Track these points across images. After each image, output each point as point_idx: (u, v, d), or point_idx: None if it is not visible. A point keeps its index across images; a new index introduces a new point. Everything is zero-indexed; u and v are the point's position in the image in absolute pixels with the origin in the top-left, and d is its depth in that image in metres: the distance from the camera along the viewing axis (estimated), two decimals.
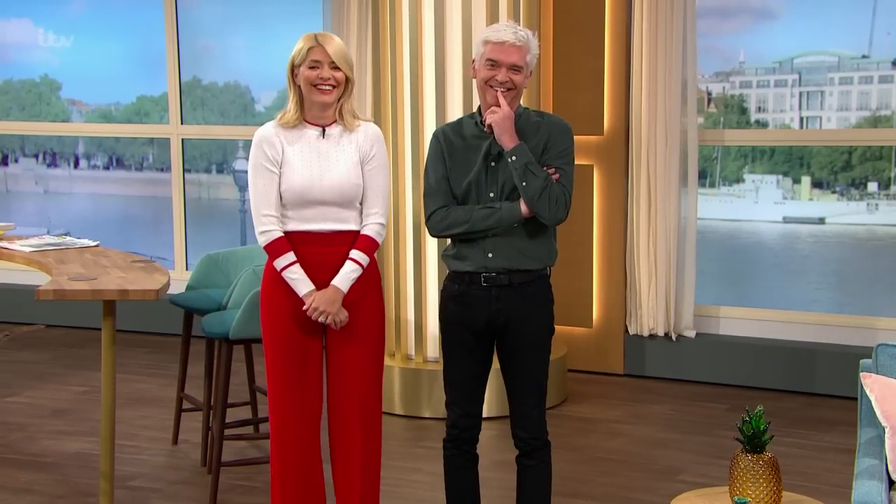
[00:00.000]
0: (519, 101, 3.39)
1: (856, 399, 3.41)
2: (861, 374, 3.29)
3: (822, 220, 6.10)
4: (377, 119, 5.55)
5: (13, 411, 5.61)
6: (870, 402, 3.23)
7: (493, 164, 3.34)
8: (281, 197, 3.41)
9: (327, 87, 3.38)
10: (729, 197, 6.27)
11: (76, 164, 8.05)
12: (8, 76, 7.99)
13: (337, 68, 3.37)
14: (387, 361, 5.44)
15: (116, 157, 7.94)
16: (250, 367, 4.94)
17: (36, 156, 8.18)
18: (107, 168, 8.00)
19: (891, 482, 3.08)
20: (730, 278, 6.36)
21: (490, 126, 3.31)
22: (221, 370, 4.25)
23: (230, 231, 7.71)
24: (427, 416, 5.45)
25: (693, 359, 6.10)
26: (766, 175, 6.17)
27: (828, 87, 5.97)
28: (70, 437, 5.18)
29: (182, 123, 7.44)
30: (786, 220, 6.18)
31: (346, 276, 3.41)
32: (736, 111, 6.21)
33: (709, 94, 6.26)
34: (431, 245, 5.43)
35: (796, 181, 6.10)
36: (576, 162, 3.44)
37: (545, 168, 3.29)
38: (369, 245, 3.45)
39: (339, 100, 3.43)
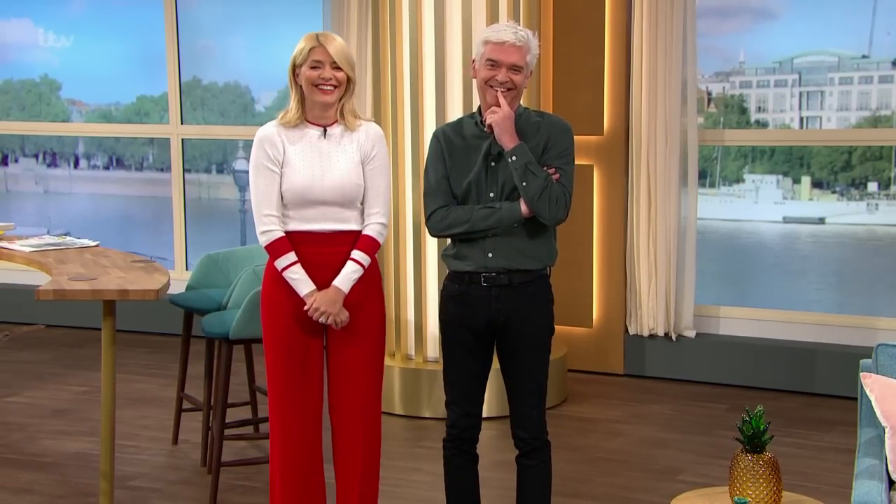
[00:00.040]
0: (519, 101, 3.39)
1: (856, 399, 3.41)
2: (861, 374, 3.29)
3: (822, 220, 6.09)
4: (377, 119, 5.54)
5: (13, 411, 5.61)
6: (870, 402, 3.23)
7: (493, 164, 3.33)
8: (282, 197, 3.40)
9: (329, 88, 3.37)
10: (729, 197, 6.27)
11: (76, 164, 8.05)
12: (8, 76, 7.99)
13: (338, 68, 3.37)
14: (387, 361, 5.44)
15: (116, 157, 7.94)
16: (250, 367, 4.94)
17: (36, 156, 8.18)
18: (107, 168, 7.99)
19: (891, 482, 3.08)
20: (730, 278, 6.36)
21: (490, 126, 3.31)
22: (221, 370, 4.25)
23: (230, 231, 7.70)
24: (427, 416, 5.45)
25: (693, 359, 6.10)
26: (766, 175, 6.17)
27: (828, 87, 5.97)
28: (70, 437, 5.18)
29: (182, 123, 7.43)
30: (786, 220, 6.18)
31: (348, 276, 3.41)
32: (736, 111, 6.21)
33: (709, 94, 6.25)
34: (431, 245, 5.43)
35: (796, 181, 6.10)
36: (576, 162, 3.44)
37: (545, 168, 3.29)
38: (370, 245, 3.45)
39: (340, 100, 3.43)
